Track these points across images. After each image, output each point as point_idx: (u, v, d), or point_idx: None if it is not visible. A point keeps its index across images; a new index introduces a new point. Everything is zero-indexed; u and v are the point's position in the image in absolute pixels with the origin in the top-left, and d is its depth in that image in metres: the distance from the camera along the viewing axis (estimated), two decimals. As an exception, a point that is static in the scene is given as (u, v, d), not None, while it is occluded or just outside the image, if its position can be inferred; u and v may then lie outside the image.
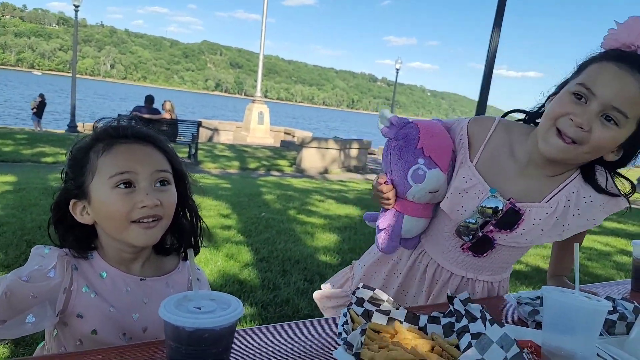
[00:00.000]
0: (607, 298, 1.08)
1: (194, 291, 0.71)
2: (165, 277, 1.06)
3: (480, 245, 1.24)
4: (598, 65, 1.04)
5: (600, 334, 0.94)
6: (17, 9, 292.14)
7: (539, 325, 1.02)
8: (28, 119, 18.81)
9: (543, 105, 1.21)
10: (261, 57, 17.66)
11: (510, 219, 1.17)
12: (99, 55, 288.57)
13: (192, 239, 1.10)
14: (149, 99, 10.32)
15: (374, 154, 16.48)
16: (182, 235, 1.09)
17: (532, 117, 1.24)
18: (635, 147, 1.09)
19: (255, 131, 16.86)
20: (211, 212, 5.07)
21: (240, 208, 5.49)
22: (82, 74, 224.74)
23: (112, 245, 0.99)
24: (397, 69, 24.57)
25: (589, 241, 5.58)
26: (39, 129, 15.96)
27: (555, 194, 1.17)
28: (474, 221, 1.21)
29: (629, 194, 1.17)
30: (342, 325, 0.87)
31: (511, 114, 1.34)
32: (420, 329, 0.95)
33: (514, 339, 0.71)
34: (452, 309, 0.95)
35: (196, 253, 1.10)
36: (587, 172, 1.16)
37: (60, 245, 1.00)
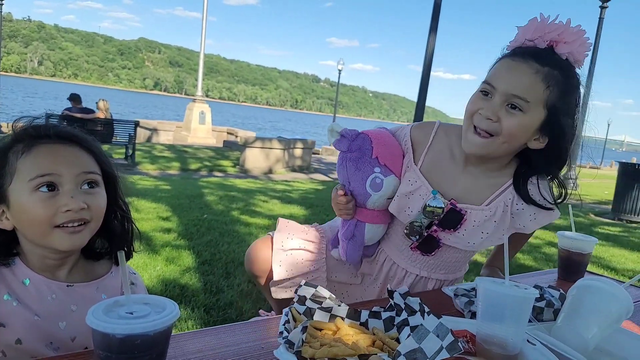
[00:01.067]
0: (535, 286, 1.15)
1: (125, 295, 0.67)
2: (96, 282, 1.00)
3: (427, 244, 1.30)
4: (498, 63, 1.16)
5: (530, 321, 1.00)
6: None
7: (474, 315, 1.07)
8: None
9: None
10: (202, 55, 17.23)
11: (452, 218, 1.24)
12: (25, 52, 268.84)
13: (124, 243, 1.05)
14: (75, 97, 9.72)
15: (318, 154, 16.59)
16: (113, 239, 1.03)
17: None
18: (556, 131, 1.15)
19: (196, 131, 16.41)
20: (150, 215, 4.86)
21: (180, 210, 5.32)
22: (7, 72, 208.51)
23: (34, 251, 0.93)
24: (340, 70, 24.93)
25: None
26: None
27: (494, 199, 1.24)
28: (419, 221, 1.27)
29: (559, 199, 1.25)
30: (284, 325, 0.86)
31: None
32: (361, 324, 0.96)
33: (449, 328, 0.74)
34: (392, 303, 0.96)
35: (129, 257, 1.07)
36: (517, 182, 1.23)
37: None
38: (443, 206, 1.23)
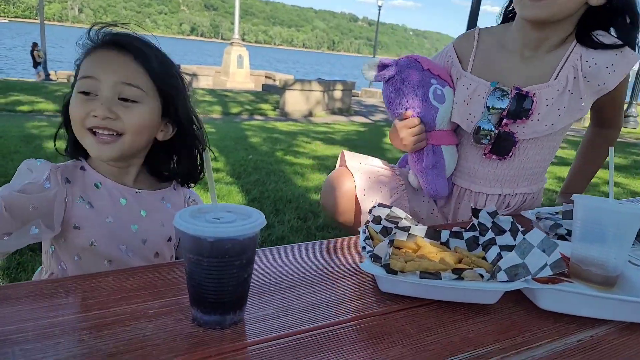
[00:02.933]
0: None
1: (210, 204, 0.64)
2: (161, 192, 1.02)
3: (501, 144, 1.19)
4: None
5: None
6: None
7: (561, 238, 1.00)
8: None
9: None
10: (237, -5, 16.78)
11: (520, 106, 1.14)
12: (66, 0, 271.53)
13: (190, 168, 1.04)
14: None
15: (358, 96, 16.23)
16: (180, 162, 1.03)
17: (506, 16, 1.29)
18: None
19: (235, 75, 16.32)
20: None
21: (227, 151, 5.38)
22: (49, 20, 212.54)
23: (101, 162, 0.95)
24: (380, 7, 23.72)
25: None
26: (41, 78, 15.21)
27: (561, 69, 1.15)
28: (486, 121, 1.18)
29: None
30: (364, 241, 0.82)
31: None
32: (442, 244, 0.92)
33: (557, 243, 0.67)
34: (476, 223, 0.90)
35: (194, 183, 1.07)
36: (581, 37, 1.15)
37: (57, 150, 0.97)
38: (507, 94, 1.15)
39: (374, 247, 0.83)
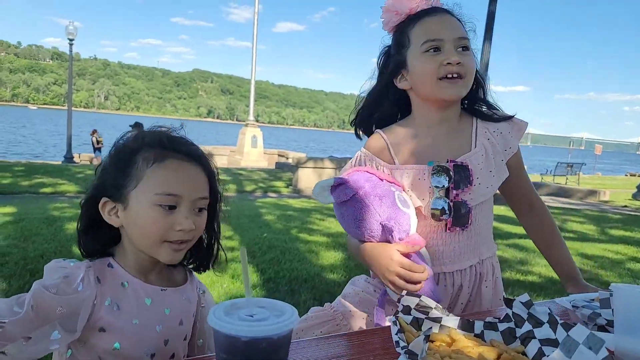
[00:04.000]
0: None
1: (244, 298, 0.63)
2: (182, 289, 1.02)
3: (459, 214, 1.20)
4: (420, 25, 1.21)
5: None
6: (11, 46, 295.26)
7: (601, 329, 0.95)
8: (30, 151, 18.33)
9: (381, 99, 1.31)
10: (252, 82, 17.78)
11: (462, 175, 1.21)
12: (93, 88, 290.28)
13: (207, 259, 1.07)
14: (138, 125, 10.29)
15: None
16: (198, 250, 1.05)
17: (383, 122, 1.33)
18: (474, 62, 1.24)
19: (249, 154, 16.83)
20: (212, 234, 4.96)
21: (241, 229, 5.39)
22: (76, 107, 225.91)
23: (134, 252, 0.95)
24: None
25: (599, 250, 5.52)
26: (97, 162, 15.81)
27: (475, 139, 1.26)
28: (438, 199, 1.20)
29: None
30: (397, 334, 0.79)
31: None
32: (476, 336, 0.87)
33: (603, 340, 0.64)
34: (510, 313, 0.87)
35: (204, 270, 1.09)
36: (480, 114, 1.30)
37: (82, 252, 0.97)
38: (448, 167, 1.19)
39: (407, 340, 0.80)
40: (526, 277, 4.23)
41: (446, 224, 1.20)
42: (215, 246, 1.08)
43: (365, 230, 1.13)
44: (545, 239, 1.39)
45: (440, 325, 0.89)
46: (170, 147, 0.94)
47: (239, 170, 13.98)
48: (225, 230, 4.97)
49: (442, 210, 1.19)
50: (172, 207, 0.90)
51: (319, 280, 3.75)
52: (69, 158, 15.79)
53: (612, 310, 0.85)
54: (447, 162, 1.20)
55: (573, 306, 1.02)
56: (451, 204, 1.20)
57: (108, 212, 0.93)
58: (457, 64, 1.15)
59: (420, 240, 1.16)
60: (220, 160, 16.63)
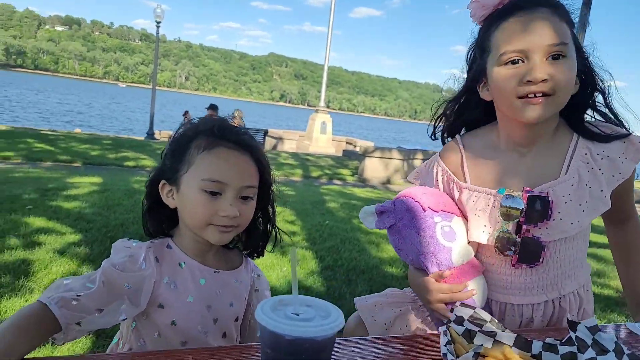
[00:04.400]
0: None
1: (292, 295, 0.65)
2: (235, 272, 1.07)
3: (527, 251, 1.07)
4: (501, 30, 1.01)
5: None
6: (105, 26, 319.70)
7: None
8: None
9: (461, 107, 1.18)
10: (325, 68, 17.85)
11: (536, 208, 1.04)
12: (175, 69, 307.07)
13: (260, 242, 1.12)
14: (213, 107, 10.73)
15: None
16: (251, 237, 1.11)
17: (470, 127, 1.20)
18: (582, 65, 1.03)
19: (317, 140, 16.99)
20: (277, 217, 5.10)
21: (304, 215, 5.48)
22: (160, 86, 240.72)
23: (189, 234, 1.01)
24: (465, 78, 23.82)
25: None
26: None
27: (569, 162, 1.07)
28: (504, 230, 1.07)
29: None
30: (446, 346, 0.77)
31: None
32: (533, 356, 0.83)
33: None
34: (573, 337, 0.81)
35: (260, 256, 1.14)
36: (583, 130, 1.08)
37: (145, 231, 1.05)
38: (519, 199, 1.04)
39: (456, 353, 0.78)
40: (602, 291, 3.93)
41: (511, 259, 1.10)
42: (271, 230, 1.12)
43: (407, 259, 1.14)
44: (626, 256, 1.23)
45: (495, 340, 0.85)
46: (221, 135, 0.98)
47: (307, 156, 14.17)
48: (288, 214, 5.12)
49: (505, 242, 1.08)
50: (216, 194, 0.94)
51: (377, 273, 3.74)
52: (150, 134, 16.87)
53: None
54: (522, 191, 1.06)
55: (648, 335, 0.93)
56: (518, 240, 1.07)
57: (166, 194, 1.00)
58: (542, 81, 0.96)
59: (475, 273, 1.11)
60: (289, 145, 16.95)
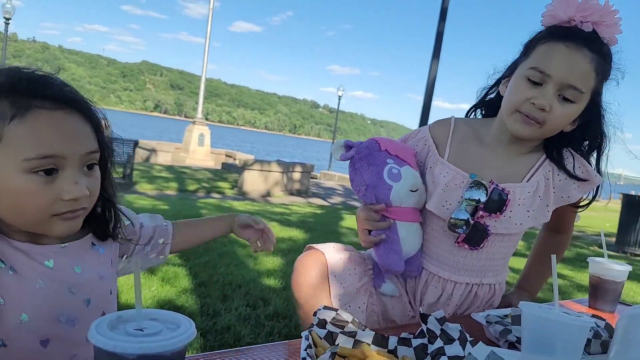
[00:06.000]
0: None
1: (134, 310, 0.58)
2: (88, 237, 0.86)
3: (474, 235, 1.19)
4: (546, 47, 1.08)
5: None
6: None
7: (511, 346, 0.97)
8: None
9: (491, 89, 1.29)
10: (203, 79, 17.39)
11: (496, 201, 1.17)
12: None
13: (103, 228, 0.88)
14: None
15: (316, 178, 16.54)
16: (93, 222, 0.87)
17: (487, 110, 1.32)
18: (592, 115, 1.15)
19: (195, 153, 16.38)
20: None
21: (178, 230, 5.20)
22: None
23: (15, 228, 0.77)
24: (340, 96, 25.19)
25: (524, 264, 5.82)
26: None
27: (533, 174, 1.21)
28: (464, 211, 1.19)
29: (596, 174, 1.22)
30: (306, 350, 0.76)
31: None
32: (389, 352, 0.87)
33: (502, 359, 0.64)
34: (424, 329, 0.87)
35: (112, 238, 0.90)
36: (551, 154, 1.21)
37: None
38: (487, 188, 1.17)
39: (317, 356, 0.77)
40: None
41: (457, 237, 1.21)
42: (113, 213, 0.88)
43: (356, 190, 1.26)
44: (540, 254, 1.43)
45: (355, 340, 0.87)
46: (32, 92, 0.72)
47: (183, 169, 13.56)
48: (160, 230, 4.65)
49: (460, 224, 1.19)
50: (50, 172, 0.72)
51: (254, 286, 3.68)
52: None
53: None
54: (490, 182, 1.17)
55: (487, 322, 1.04)
56: (471, 221, 1.18)
57: None
58: (541, 109, 1.06)
59: (414, 218, 1.24)
60: (164, 157, 16.05)
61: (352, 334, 0.88)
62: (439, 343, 0.82)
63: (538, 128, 1.11)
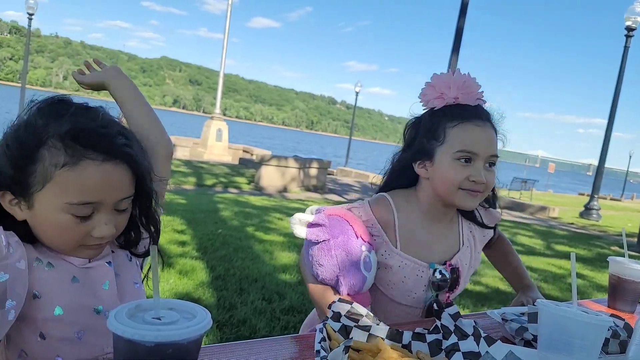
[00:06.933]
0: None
1: (152, 299, 0.59)
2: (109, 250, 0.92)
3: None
4: (460, 130, 1.20)
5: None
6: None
7: (527, 344, 0.96)
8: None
9: (403, 171, 1.31)
10: (221, 75, 17.48)
11: (454, 278, 1.29)
12: (51, 66, 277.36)
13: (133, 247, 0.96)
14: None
15: (333, 174, 16.52)
16: (127, 243, 0.94)
17: (399, 184, 1.34)
18: None
19: (213, 148, 16.51)
20: (165, 227, 4.82)
21: (195, 224, 5.26)
22: (32, 85, 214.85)
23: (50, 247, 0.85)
24: (357, 93, 25.05)
25: (544, 264, 5.74)
26: None
27: (464, 234, 1.34)
28: (431, 297, 1.27)
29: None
30: (320, 343, 0.77)
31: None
32: (404, 346, 0.87)
33: (520, 359, 0.64)
34: (439, 325, 0.86)
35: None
36: (468, 215, 1.35)
37: None
38: (448, 275, 1.27)
39: (331, 349, 0.78)
40: (474, 287, 4.34)
41: (422, 313, 1.29)
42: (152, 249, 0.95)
43: (322, 274, 1.17)
44: (504, 261, 1.51)
45: (369, 334, 0.87)
46: (87, 144, 0.77)
47: (201, 164, 13.70)
48: (177, 224, 4.86)
49: (432, 309, 1.23)
50: (86, 216, 0.79)
51: (270, 280, 3.71)
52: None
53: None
54: (445, 264, 1.28)
55: (503, 319, 1.03)
56: (443, 304, 1.23)
57: (9, 202, 0.81)
58: (482, 183, 1.19)
59: (366, 302, 1.21)
60: (182, 152, 16.23)
61: (366, 328, 0.88)
62: (453, 339, 0.82)
63: (480, 196, 1.23)
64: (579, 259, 6.19)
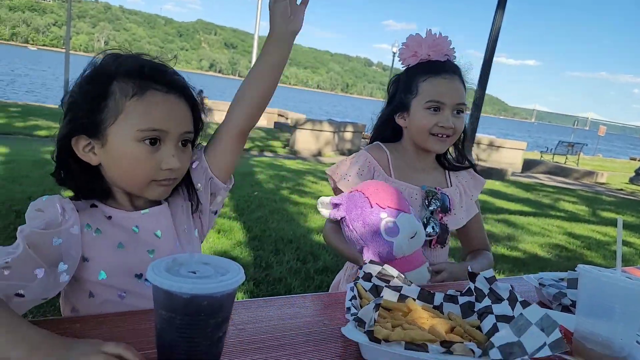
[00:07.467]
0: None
1: (187, 254, 0.61)
2: (165, 204, 0.96)
3: (441, 234, 1.37)
4: (429, 83, 1.34)
5: None
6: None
7: (565, 309, 0.94)
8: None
9: (386, 124, 1.45)
10: (256, 38, 17.31)
11: (445, 203, 1.38)
12: (93, 32, 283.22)
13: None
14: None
15: (368, 138, 16.34)
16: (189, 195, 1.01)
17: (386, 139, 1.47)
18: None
19: (248, 111, 16.58)
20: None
21: (233, 187, 5.37)
22: (76, 50, 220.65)
23: (119, 191, 0.91)
24: (394, 53, 24.34)
25: (587, 230, 5.56)
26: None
27: (450, 180, 1.46)
28: (431, 220, 1.35)
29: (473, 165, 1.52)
30: (350, 300, 0.78)
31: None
32: (435, 307, 0.86)
33: (557, 322, 0.62)
34: (472, 287, 0.85)
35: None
36: (448, 165, 1.47)
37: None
38: (437, 194, 1.37)
39: (361, 307, 0.78)
40: (511, 253, 4.27)
41: (431, 241, 1.35)
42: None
43: (352, 246, 1.24)
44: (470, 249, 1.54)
45: (400, 294, 0.87)
46: (151, 77, 0.86)
47: (237, 127, 13.83)
48: (215, 185, 4.81)
49: (432, 227, 1.35)
50: (154, 143, 0.85)
51: (304, 242, 3.77)
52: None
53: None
54: (436, 189, 1.39)
55: (540, 284, 1.01)
56: (439, 224, 1.37)
57: (83, 149, 0.86)
58: (450, 128, 1.33)
59: (413, 263, 1.21)
60: (219, 116, 16.17)
61: (397, 288, 0.88)
62: (486, 302, 0.81)
63: (449, 140, 1.37)
64: (626, 225, 5.94)
